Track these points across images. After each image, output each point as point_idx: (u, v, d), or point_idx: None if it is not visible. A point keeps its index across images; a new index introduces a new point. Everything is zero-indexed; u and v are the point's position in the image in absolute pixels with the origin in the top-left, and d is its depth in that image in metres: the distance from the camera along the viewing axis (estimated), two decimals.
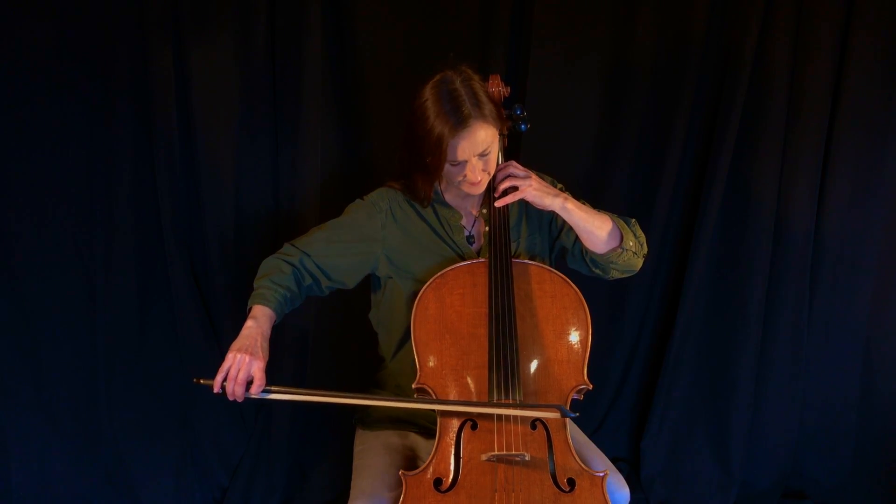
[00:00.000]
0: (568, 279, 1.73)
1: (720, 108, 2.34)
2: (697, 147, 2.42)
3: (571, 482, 1.56)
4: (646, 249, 1.84)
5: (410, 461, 1.74)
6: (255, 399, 1.57)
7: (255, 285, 1.74)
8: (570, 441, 1.60)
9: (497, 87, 1.80)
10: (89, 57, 2.10)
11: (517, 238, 1.83)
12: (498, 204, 1.70)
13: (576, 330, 1.69)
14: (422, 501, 1.53)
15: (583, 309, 1.70)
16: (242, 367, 1.54)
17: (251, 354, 1.55)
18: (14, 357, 2.15)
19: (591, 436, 1.90)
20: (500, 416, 1.58)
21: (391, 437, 1.82)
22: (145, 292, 2.27)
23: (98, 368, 2.24)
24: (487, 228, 1.81)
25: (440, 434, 1.60)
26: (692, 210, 2.45)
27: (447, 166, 1.66)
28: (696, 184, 2.44)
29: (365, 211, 1.80)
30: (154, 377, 2.32)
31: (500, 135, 1.74)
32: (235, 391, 1.53)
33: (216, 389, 1.54)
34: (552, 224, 1.88)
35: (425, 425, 1.82)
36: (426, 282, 1.69)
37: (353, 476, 1.75)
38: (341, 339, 2.40)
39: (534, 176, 1.71)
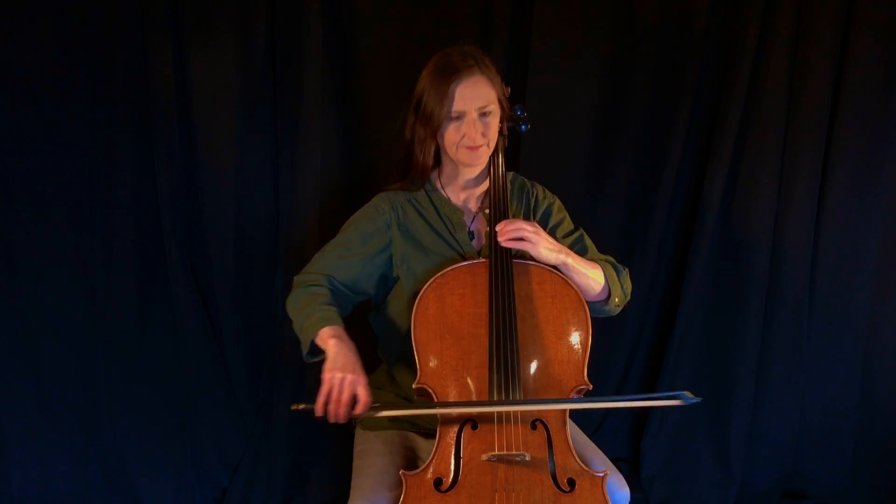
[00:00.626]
0: (568, 280, 1.73)
1: (720, 107, 2.35)
2: (697, 146, 2.42)
3: (571, 482, 1.56)
4: (629, 298, 1.86)
5: (410, 461, 1.74)
6: (357, 417, 1.51)
7: (302, 316, 1.66)
8: (571, 441, 1.60)
9: None
10: (89, 57, 2.10)
11: None
12: (508, 245, 1.66)
13: (576, 330, 1.68)
14: (422, 501, 1.53)
15: (583, 309, 1.70)
16: (346, 388, 1.48)
17: (353, 372, 1.50)
18: (14, 357, 2.15)
19: (591, 436, 1.90)
20: (500, 417, 1.57)
21: (391, 437, 1.82)
22: (145, 292, 2.27)
23: (98, 368, 2.24)
24: (487, 229, 1.81)
25: (440, 434, 1.60)
26: (692, 210, 2.45)
27: (446, 126, 1.68)
28: (696, 183, 2.44)
29: (368, 218, 1.80)
30: (154, 377, 2.32)
31: (501, 130, 1.79)
32: (339, 413, 1.48)
33: (319, 413, 1.48)
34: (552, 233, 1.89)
35: (425, 426, 1.82)
36: (426, 282, 1.69)
37: (353, 476, 1.75)
38: None
39: (541, 231, 1.70)
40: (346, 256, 1.76)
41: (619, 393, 2.63)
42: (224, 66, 2.20)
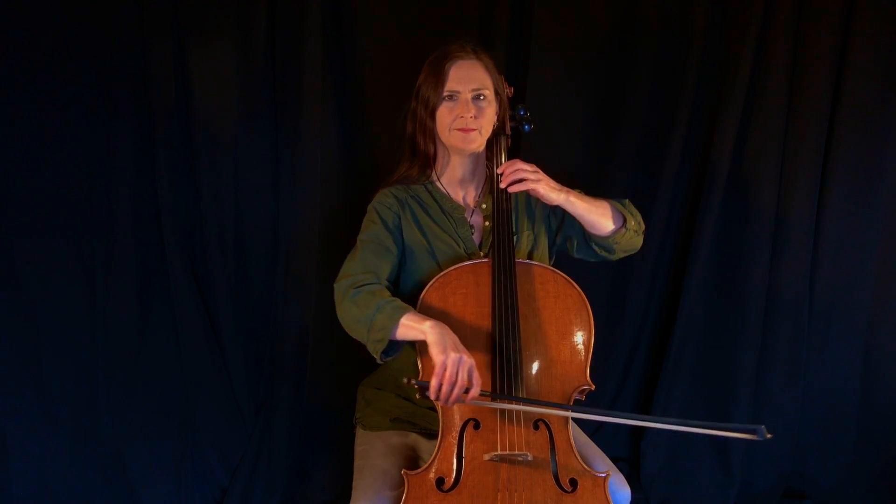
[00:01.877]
0: (571, 280, 1.73)
1: (720, 108, 2.35)
2: (697, 147, 2.42)
3: (574, 482, 1.56)
4: (643, 227, 1.88)
5: (412, 461, 1.74)
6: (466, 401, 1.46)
7: (369, 314, 1.57)
8: (573, 441, 1.60)
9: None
10: (89, 57, 2.10)
11: (517, 231, 1.83)
12: (511, 189, 1.70)
13: (578, 330, 1.69)
14: (424, 501, 1.53)
15: (585, 309, 1.70)
16: (463, 370, 1.43)
17: (467, 354, 1.46)
18: (14, 357, 2.14)
19: (592, 436, 1.90)
20: (503, 416, 1.57)
21: (392, 437, 1.82)
22: (145, 293, 2.27)
23: (98, 368, 2.24)
24: (487, 224, 1.81)
25: (443, 433, 1.60)
26: (692, 210, 2.46)
27: (442, 108, 1.72)
28: (696, 184, 2.44)
29: (381, 212, 1.79)
30: (154, 378, 2.31)
31: (504, 129, 1.83)
32: (453, 395, 1.43)
33: (433, 395, 1.44)
34: (551, 217, 1.90)
35: (426, 426, 1.82)
36: (429, 280, 1.69)
37: (355, 476, 1.75)
38: (341, 339, 2.39)
39: (541, 172, 1.73)
40: (381, 253, 1.73)
41: (619, 393, 2.63)
42: (224, 66, 2.20)
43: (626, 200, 1.86)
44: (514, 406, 1.56)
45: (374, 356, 1.61)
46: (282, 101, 2.26)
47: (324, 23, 2.19)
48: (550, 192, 1.70)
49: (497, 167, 1.80)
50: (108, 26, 2.09)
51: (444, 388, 1.43)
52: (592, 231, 1.79)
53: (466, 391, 1.45)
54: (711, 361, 2.53)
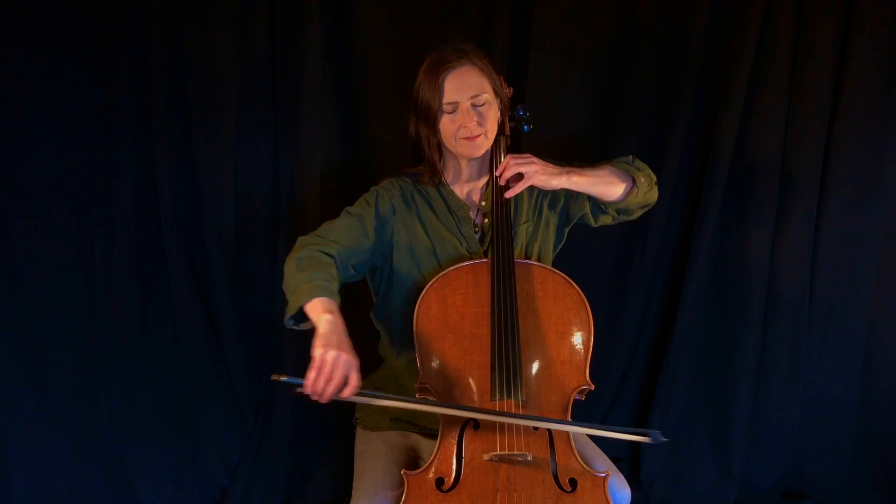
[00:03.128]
0: (570, 280, 1.73)
1: (720, 107, 2.34)
2: (698, 146, 2.42)
3: (573, 482, 1.56)
4: (655, 177, 1.87)
5: (412, 461, 1.75)
6: (338, 401, 1.43)
7: (300, 277, 1.55)
8: (572, 441, 1.60)
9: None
10: (89, 57, 2.10)
11: (514, 223, 1.82)
12: (508, 194, 1.71)
13: (578, 330, 1.69)
14: (424, 501, 1.53)
15: (585, 309, 1.70)
16: (339, 367, 1.39)
17: (348, 353, 1.42)
18: (14, 357, 2.15)
19: (591, 436, 1.90)
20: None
21: (392, 437, 1.82)
22: (145, 292, 2.27)
23: (98, 368, 2.24)
24: (487, 220, 1.81)
25: (442, 434, 1.60)
26: (692, 210, 2.45)
27: (444, 119, 1.70)
28: (696, 184, 2.44)
29: (377, 197, 1.79)
30: (154, 377, 2.32)
31: (504, 129, 1.83)
32: (326, 392, 1.39)
33: (308, 390, 1.40)
34: (553, 201, 1.89)
35: (426, 426, 1.82)
36: (429, 280, 1.69)
37: (355, 476, 1.75)
38: None
39: (534, 158, 1.73)
40: (357, 231, 1.71)
41: (619, 393, 2.63)
42: (224, 65, 2.20)
43: (631, 157, 1.86)
44: (400, 404, 1.55)
45: (285, 315, 1.57)
46: (282, 99, 2.25)
47: (324, 21, 2.19)
48: (550, 178, 1.71)
49: (495, 168, 1.80)
50: (109, 24, 2.09)
51: (319, 383, 1.39)
52: (605, 199, 1.80)
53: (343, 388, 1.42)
54: (711, 362, 2.53)
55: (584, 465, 1.59)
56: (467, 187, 1.86)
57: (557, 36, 2.30)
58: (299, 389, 1.41)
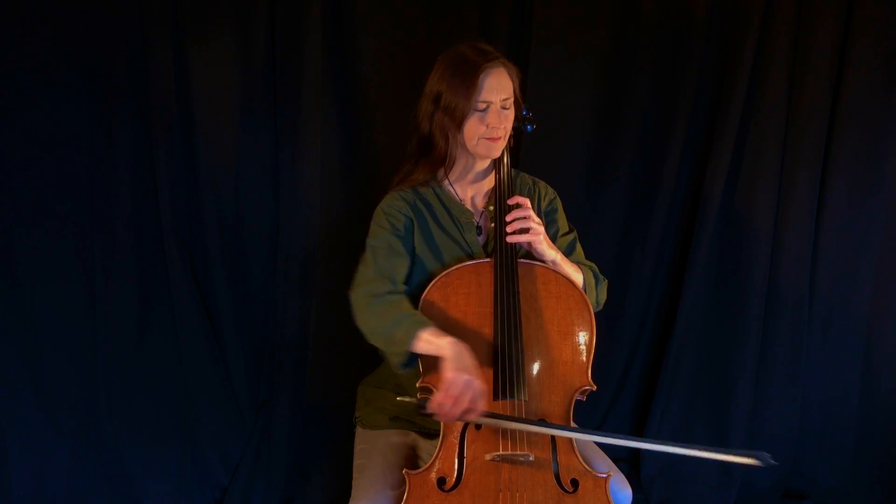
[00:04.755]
0: (572, 280, 1.73)
1: (720, 107, 2.35)
2: (697, 147, 2.42)
3: (575, 483, 1.56)
4: (600, 308, 1.91)
5: (412, 461, 1.74)
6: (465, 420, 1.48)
7: (388, 328, 1.59)
8: (574, 442, 1.60)
9: None
10: (89, 57, 2.10)
11: None
12: (510, 239, 1.71)
13: (580, 331, 1.69)
14: (425, 500, 1.53)
15: (587, 310, 1.70)
16: (470, 391, 1.44)
17: (478, 378, 1.46)
18: (14, 357, 2.14)
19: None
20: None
21: (392, 437, 1.82)
22: (145, 293, 2.27)
23: (98, 369, 2.24)
24: (493, 224, 1.81)
25: (444, 433, 1.60)
26: (692, 210, 2.46)
27: (472, 119, 1.68)
28: (696, 183, 2.44)
29: (391, 215, 1.77)
30: (154, 377, 2.32)
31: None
32: (453, 413, 1.44)
33: (433, 409, 1.45)
34: (548, 223, 1.90)
35: (426, 426, 1.82)
36: (432, 279, 1.69)
37: (354, 476, 1.75)
38: (341, 338, 2.39)
39: (543, 226, 1.75)
40: (393, 257, 1.72)
41: (619, 393, 2.63)
42: (224, 65, 2.20)
43: (604, 283, 1.90)
44: (513, 425, 1.56)
45: (393, 368, 1.64)
46: (282, 100, 2.26)
47: (324, 21, 2.19)
48: (547, 249, 1.73)
49: (500, 165, 1.81)
50: (109, 23, 2.09)
51: (447, 406, 1.44)
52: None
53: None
54: (711, 362, 2.53)
55: (586, 466, 1.59)
56: (471, 189, 1.85)
57: (558, 34, 2.30)
58: (423, 410, 1.46)
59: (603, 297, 1.90)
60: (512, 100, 1.71)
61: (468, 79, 1.65)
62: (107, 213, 2.19)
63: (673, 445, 1.48)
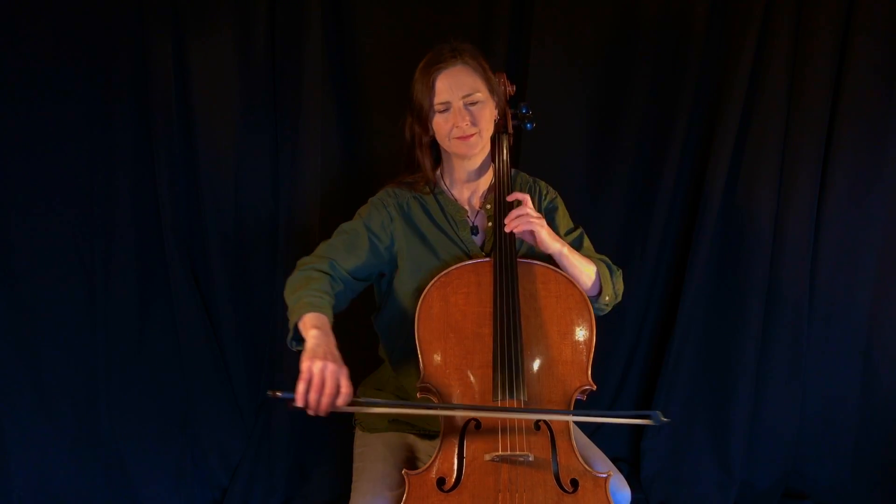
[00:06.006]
0: (572, 280, 1.73)
1: (720, 107, 2.35)
2: (697, 146, 2.42)
3: (575, 483, 1.56)
4: (619, 300, 1.88)
5: (411, 462, 1.74)
6: (336, 412, 1.41)
7: (293, 299, 1.59)
8: (574, 442, 1.60)
9: (502, 85, 1.85)
10: (89, 57, 2.10)
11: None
12: (508, 229, 1.69)
13: (580, 330, 1.69)
14: (425, 501, 1.52)
15: (587, 309, 1.70)
16: (329, 377, 1.38)
17: (334, 362, 1.41)
18: (14, 357, 2.15)
19: (592, 436, 1.90)
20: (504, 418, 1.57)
21: (391, 438, 1.82)
22: (145, 292, 2.27)
23: (98, 369, 2.24)
24: (491, 224, 1.81)
25: (444, 434, 1.59)
26: (692, 209, 2.46)
27: (436, 119, 1.71)
28: (697, 183, 2.44)
29: (374, 212, 1.80)
30: (154, 378, 2.32)
31: (506, 128, 1.82)
32: (321, 403, 1.38)
33: (299, 403, 1.38)
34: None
35: (425, 427, 1.82)
36: (430, 280, 1.69)
37: (354, 477, 1.75)
38: (341, 339, 2.38)
39: (543, 220, 1.72)
40: (351, 245, 1.74)
41: (619, 393, 2.63)
42: (224, 65, 2.20)
43: (619, 272, 1.87)
44: (406, 410, 1.57)
45: (287, 338, 1.61)
46: (282, 100, 2.26)
47: (324, 21, 2.19)
48: (550, 239, 1.71)
49: (498, 164, 1.81)
50: (108, 22, 2.09)
51: (312, 395, 1.38)
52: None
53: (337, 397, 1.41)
54: (711, 361, 2.53)
55: (586, 466, 1.58)
56: (467, 190, 1.86)
57: (558, 33, 2.31)
58: (293, 404, 1.39)
59: (620, 287, 1.86)
60: (479, 95, 1.71)
61: (425, 81, 1.69)
62: (107, 213, 2.19)
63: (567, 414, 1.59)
